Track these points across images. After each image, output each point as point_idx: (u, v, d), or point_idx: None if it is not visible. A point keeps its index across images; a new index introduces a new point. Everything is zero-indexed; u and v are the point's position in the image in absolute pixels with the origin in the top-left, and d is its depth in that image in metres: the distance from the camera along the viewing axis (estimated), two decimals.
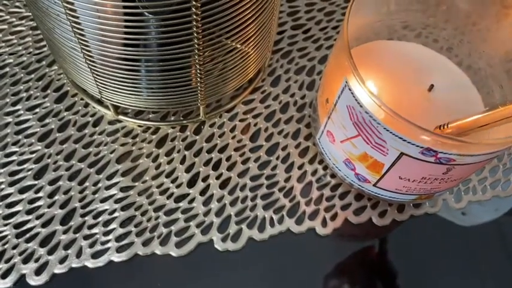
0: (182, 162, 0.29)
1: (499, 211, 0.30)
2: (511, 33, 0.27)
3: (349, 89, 0.22)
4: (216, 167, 0.29)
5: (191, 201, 0.28)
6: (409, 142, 0.21)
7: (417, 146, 0.21)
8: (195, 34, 0.23)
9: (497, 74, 0.27)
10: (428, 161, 0.22)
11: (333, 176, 0.30)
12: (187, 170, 0.29)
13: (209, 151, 0.30)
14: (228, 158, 0.30)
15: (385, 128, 0.22)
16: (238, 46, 0.26)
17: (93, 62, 0.24)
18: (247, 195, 0.29)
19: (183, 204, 0.28)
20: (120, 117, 0.30)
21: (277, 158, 0.30)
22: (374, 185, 0.27)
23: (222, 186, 0.29)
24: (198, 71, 0.25)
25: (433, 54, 0.29)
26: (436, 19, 0.29)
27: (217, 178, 0.29)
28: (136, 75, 0.25)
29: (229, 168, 0.29)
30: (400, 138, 0.21)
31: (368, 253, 0.28)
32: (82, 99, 0.31)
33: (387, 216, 0.29)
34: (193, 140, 0.30)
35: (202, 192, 0.29)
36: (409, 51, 0.29)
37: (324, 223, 0.28)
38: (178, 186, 0.29)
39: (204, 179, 0.29)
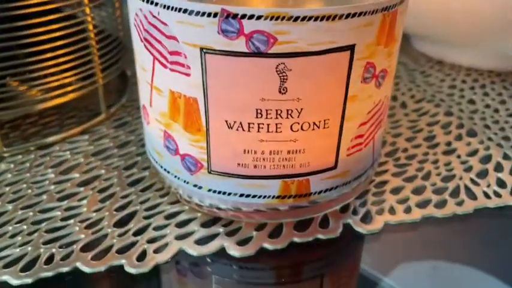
0: None
1: None
2: None
3: None
4: None
5: None
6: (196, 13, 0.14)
7: (208, 14, 0.14)
8: None
9: None
10: (236, 52, 0.14)
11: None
12: None
13: None
14: None
15: (166, 13, 0.14)
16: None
17: None
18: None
19: None
20: None
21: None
22: (210, 172, 0.17)
23: None
24: None
25: None
26: None
27: None
28: None
29: None
30: (182, 10, 0.14)
31: None
32: None
33: (248, 245, 0.17)
34: None
35: None
36: None
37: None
38: None
39: None
